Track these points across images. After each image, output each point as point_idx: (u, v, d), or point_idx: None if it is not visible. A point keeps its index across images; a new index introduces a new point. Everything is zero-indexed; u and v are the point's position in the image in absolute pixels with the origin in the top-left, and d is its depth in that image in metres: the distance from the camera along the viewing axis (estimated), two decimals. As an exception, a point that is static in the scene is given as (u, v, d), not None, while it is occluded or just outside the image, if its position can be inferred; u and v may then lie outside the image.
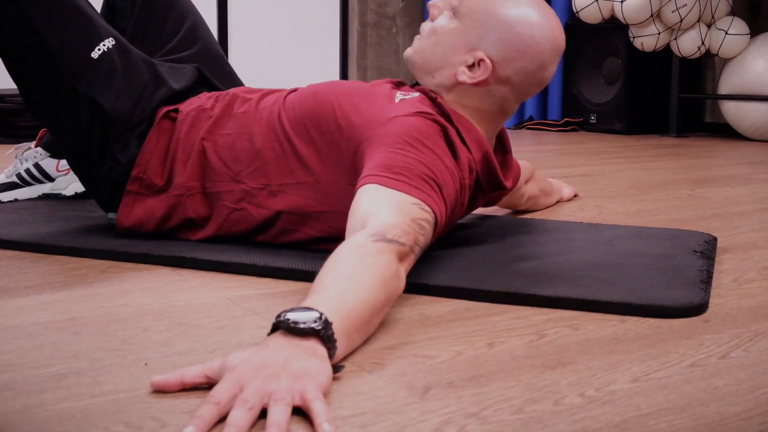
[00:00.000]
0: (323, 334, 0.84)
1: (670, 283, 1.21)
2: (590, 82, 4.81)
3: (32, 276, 1.28)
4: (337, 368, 0.85)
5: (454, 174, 1.27)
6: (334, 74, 5.16)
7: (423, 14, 5.25)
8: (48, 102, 1.49)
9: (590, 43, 4.76)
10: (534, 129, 5.06)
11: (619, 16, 4.16)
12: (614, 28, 4.54)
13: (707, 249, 1.45)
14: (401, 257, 1.06)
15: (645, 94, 4.65)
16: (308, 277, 1.25)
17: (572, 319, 1.09)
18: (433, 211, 1.17)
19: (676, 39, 4.20)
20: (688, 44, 4.18)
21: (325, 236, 1.37)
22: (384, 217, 1.09)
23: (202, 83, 1.65)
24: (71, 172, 1.90)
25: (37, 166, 1.91)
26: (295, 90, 1.48)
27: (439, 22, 1.40)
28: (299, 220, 1.38)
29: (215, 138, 1.44)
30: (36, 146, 1.93)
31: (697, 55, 4.21)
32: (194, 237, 1.45)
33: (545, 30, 1.35)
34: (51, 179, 1.92)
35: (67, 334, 1.00)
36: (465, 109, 1.39)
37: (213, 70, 1.71)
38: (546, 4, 1.39)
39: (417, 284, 1.18)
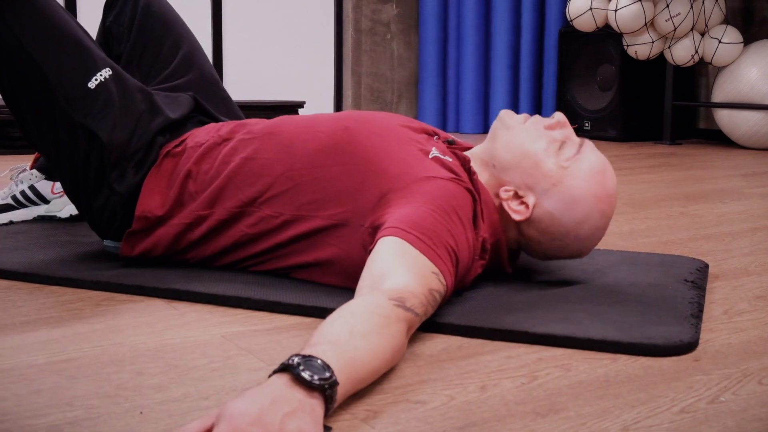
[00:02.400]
0: (328, 394, 0.85)
1: (660, 318, 1.22)
2: (584, 88, 4.82)
3: (28, 310, 1.28)
4: (326, 428, 0.85)
5: (470, 250, 1.28)
6: (329, 81, 5.16)
7: (418, 20, 5.25)
8: (44, 131, 1.50)
9: (584, 50, 4.78)
10: (528, 135, 5.07)
11: (613, 24, 4.17)
12: (608, 35, 4.55)
13: (698, 278, 1.47)
14: (410, 327, 1.07)
15: (639, 100, 4.67)
16: (303, 311, 1.27)
17: (564, 358, 1.10)
18: (446, 285, 1.18)
19: (669, 47, 4.22)
20: (681, 52, 4.19)
21: (316, 263, 1.38)
22: (406, 281, 1.10)
23: (199, 111, 1.65)
24: (66, 194, 1.90)
25: (32, 188, 1.92)
26: (312, 116, 1.48)
27: (540, 146, 1.36)
28: (303, 249, 1.39)
29: (229, 166, 1.44)
30: (31, 168, 1.94)
31: (691, 63, 4.23)
32: (203, 254, 1.46)
33: (592, 236, 1.38)
34: (46, 201, 1.93)
35: (63, 378, 1.00)
36: (495, 196, 1.40)
37: (209, 96, 1.71)
38: (611, 211, 1.38)
39: (410, 320, 1.19)
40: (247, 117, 1.70)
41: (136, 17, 1.76)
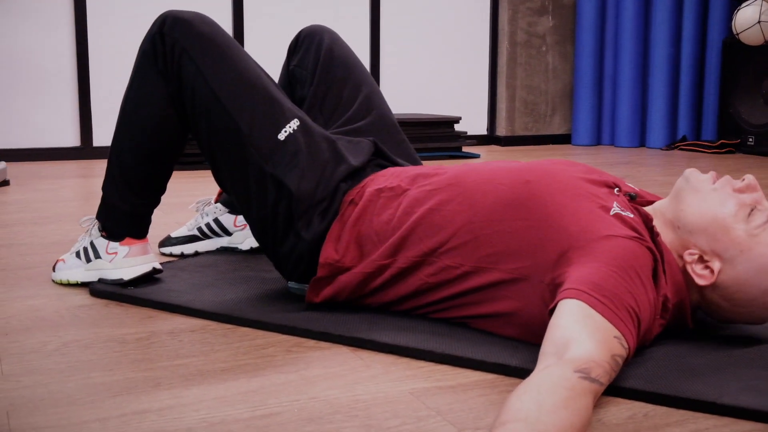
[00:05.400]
0: None
1: None
2: (748, 102, 4.66)
3: (225, 356, 1.37)
4: None
5: (652, 310, 1.28)
6: (483, 94, 5.18)
7: (574, 33, 5.20)
8: (237, 180, 1.59)
9: (749, 62, 4.62)
10: (687, 150, 4.94)
11: (783, 38, 4.01)
12: (776, 47, 4.38)
13: None
14: (595, 396, 1.09)
15: (808, 116, 4.48)
16: (485, 367, 1.30)
17: (755, 435, 1.09)
18: (629, 348, 1.19)
19: (844, 62, 4.02)
20: None
21: (495, 314, 1.40)
22: (590, 350, 1.12)
23: (378, 155, 1.71)
24: (248, 227, 2.01)
25: (216, 221, 2.03)
26: (493, 167, 1.50)
27: (729, 210, 1.34)
28: (483, 300, 1.42)
29: (411, 217, 1.48)
30: (216, 202, 2.05)
31: None
32: (383, 299, 1.52)
33: None
34: (229, 234, 2.04)
35: (268, 435, 1.07)
36: (678, 257, 1.39)
37: (387, 139, 1.77)
38: None
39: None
40: (405, 133, 1.76)
41: (319, 61, 1.84)
